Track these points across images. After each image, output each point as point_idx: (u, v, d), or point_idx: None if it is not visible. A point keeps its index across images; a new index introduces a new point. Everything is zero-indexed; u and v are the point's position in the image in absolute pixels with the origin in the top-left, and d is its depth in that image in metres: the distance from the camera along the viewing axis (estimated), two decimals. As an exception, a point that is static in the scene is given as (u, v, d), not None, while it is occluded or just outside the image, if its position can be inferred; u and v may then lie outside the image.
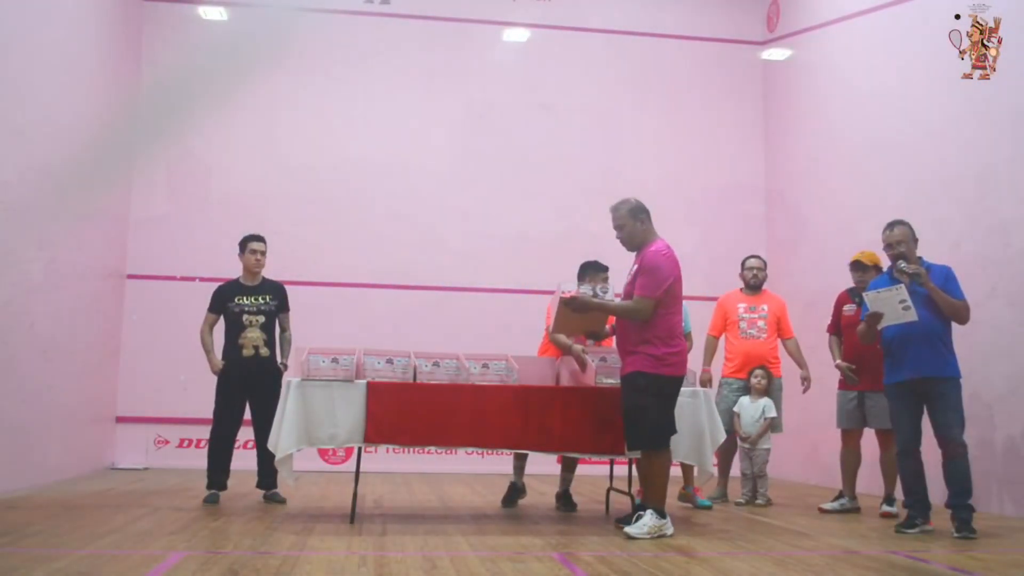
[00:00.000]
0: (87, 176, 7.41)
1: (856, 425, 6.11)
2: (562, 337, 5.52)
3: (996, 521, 5.72)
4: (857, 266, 6.14)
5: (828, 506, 6.13)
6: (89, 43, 7.62)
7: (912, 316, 5.06)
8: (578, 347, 5.48)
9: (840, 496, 6.18)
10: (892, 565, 4.22)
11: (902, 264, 5.22)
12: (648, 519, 4.71)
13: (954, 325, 5.23)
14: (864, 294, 5.35)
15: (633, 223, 4.93)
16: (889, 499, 5.95)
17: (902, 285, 5.15)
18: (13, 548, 4.08)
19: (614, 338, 5.20)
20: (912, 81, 7.31)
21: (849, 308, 6.15)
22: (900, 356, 5.23)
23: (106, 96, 7.91)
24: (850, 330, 6.05)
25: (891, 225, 5.34)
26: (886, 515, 5.81)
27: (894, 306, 5.11)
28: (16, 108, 6.22)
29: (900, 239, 5.26)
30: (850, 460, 6.22)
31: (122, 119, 8.20)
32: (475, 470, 8.20)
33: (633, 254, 5.03)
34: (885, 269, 5.57)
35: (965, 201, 6.68)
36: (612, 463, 6.09)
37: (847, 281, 7.10)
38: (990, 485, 6.18)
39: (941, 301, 5.11)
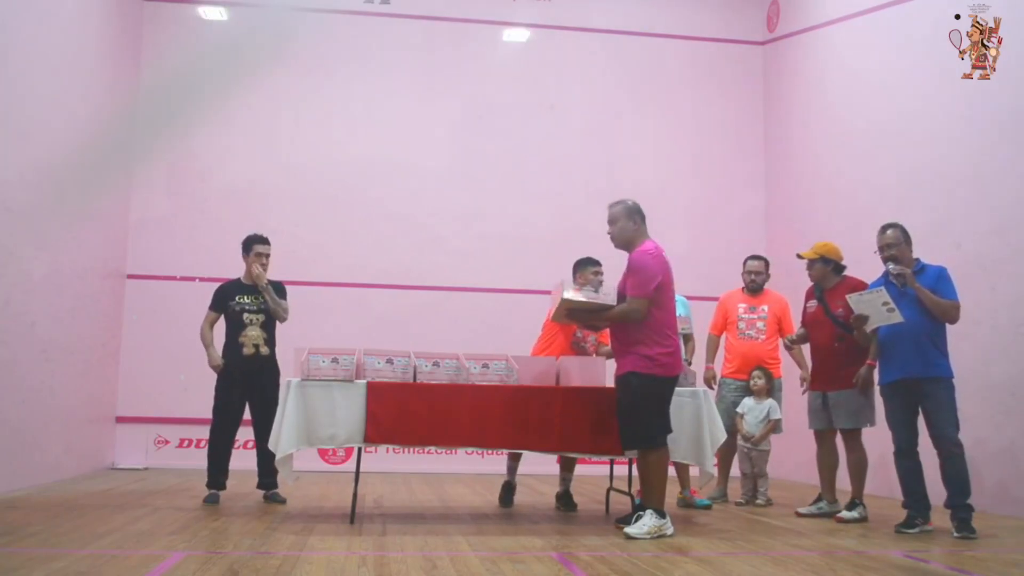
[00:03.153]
0: (87, 176, 7.41)
1: (825, 425, 5.91)
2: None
3: (996, 521, 5.72)
4: (807, 262, 5.99)
5: (805, 510, 5.96)
6: (89, 43, 7.62)
7: (897, 318, 5.10)
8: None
9: (819, 499, 6.00)
10: (892, 565, 4.22)
11: (889, 266, 5.25)
12: (648, 519, 4.72)
13: (950, 326, 5.24)
14: (847, 296, 5.37)
15: (626, 222, 4.99)
16: (851, 504, 5.71)
17: (882, 288, 5.20)
18: (13, 548, 4.08)
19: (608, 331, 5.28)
20: (912, 81, 7.31)
21: (811, 304, 6.01)
22: (890, 357, 5.29)
23: (106, 96, 7.91)
24: (813, 327, 5.95)
25: (883, 228, 5.38)
26: (839, 520, 5.62)
27: (878, 308, 5.17)
28: (16, 108, 6.22)
29: (891, 242, 5.30)
30: (825, 461, 6.01)
31: (122, 119, 8.21)
32: (475, 470, 8.20)
33: (624, 255, 5.09)
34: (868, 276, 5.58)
35: (965, 201, 6.68)
36: (612, 463, 6.09)
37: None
38: (990, 485, 6.18)
39: (927, 301, 5.14)
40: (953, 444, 5.09)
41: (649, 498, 4.82)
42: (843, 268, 5.89)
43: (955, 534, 5.02)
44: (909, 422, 5.26)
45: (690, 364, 6.39)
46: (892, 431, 5.34)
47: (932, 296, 5.14)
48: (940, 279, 5.22)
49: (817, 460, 6.12)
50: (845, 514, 5.66)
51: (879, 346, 5.39)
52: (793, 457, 8.14)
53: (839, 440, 5.95)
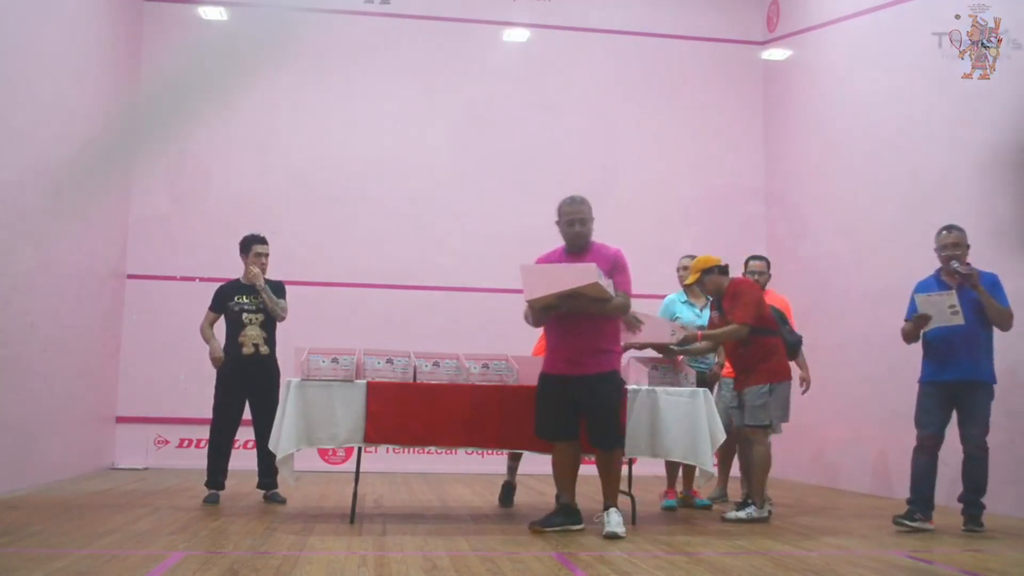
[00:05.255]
0: (87, 176, 7.40)
1: (739, 422, 5.83)
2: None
3: (996, 521, 5.71)
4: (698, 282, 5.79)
5: (731, 515, 5.55)
6: (89, 43, 7.62)
7: (960, 320, 5.18)
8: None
9: (746, 503, 5.63)
10: (892, 565, 4.22)
11: (955, 264, 5.27)
12: (618, 516, 4.78)
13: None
14: (915, 296, 5.37)
15: (591, 222, 4.99)
16: (743, 503, 5.57)
17: (953, 291, 5.24)
18: (13, 548, 4.08)
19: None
20: (912, 81, 7.31)
21: (713, 315, 5.82)
22: (943, 357, 5.33)
23: (106, 96, 7.91)
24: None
25: (948, 228, 5.41)
26: (725, 520, 5.46)
27: (943, 310, 5.21)
28: (16, 108, 6.22)
29: (956, 242, 5.35)
30: (745, 459, 5.89)
31: (122, 119, 8.20)
32: (475, 470, 8.19)
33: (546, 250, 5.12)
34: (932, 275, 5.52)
35: (965, 201, 6.68)
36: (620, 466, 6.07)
37: (846, 280, 7.12)
38: (990, 485, 6.16)
39: (989, 305, 5.22)
40: (979, 447, 5.21)
41: (615, 496, 4.91)
42: (727, 269, 5.77)
43: (963, 528, 5.15)
44: (940, 423, 5.34)
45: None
46: (920, 427, 5.39)
47: (993, 301, 5.22)
48: (994, 286, 5.30)
49: (739, 460, 6.12)
50: (732, 514, 5.49)
51: (927, 344, 5.41)
52: (794, 457, 8.14)
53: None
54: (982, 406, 5.23)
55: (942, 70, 6.63)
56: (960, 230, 5.39)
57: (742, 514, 5.49)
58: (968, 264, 5.30)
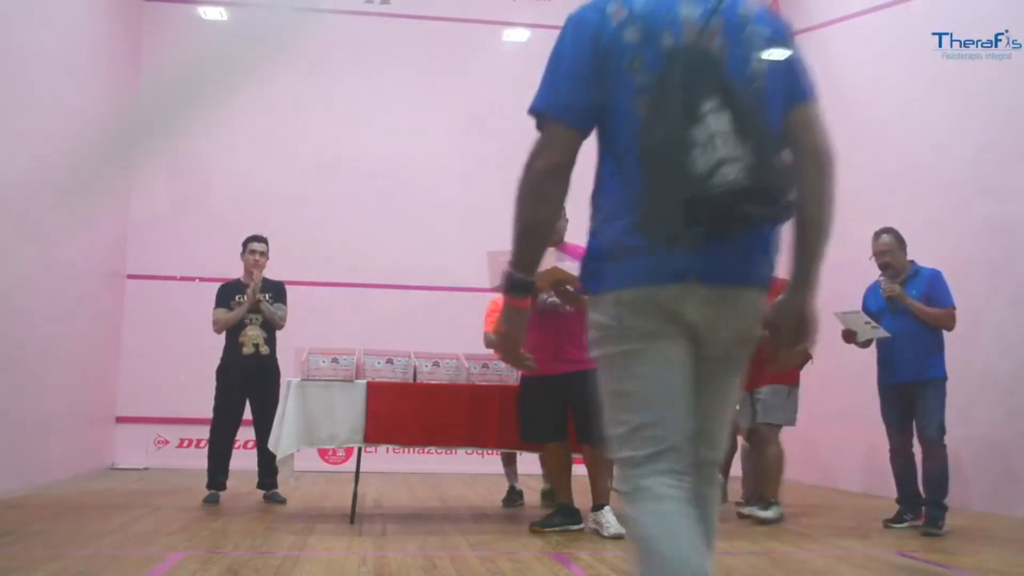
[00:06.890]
0: (87, 176, 7.40)
1: (749, 424, 5.84)
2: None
3: (994, 521, 5.72)
4: None
5: (755, 512, 5.57)
6: (89, 43, 7.63)
7: (882, 333, 5.22)
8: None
9: (774, 503, 5.61)
10: (892, 565, 4.22)
11: (881, 287, 5.33)
12: (613, 515, 4.79)
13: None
14: (835, 313, 5.29)
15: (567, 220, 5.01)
16: (766, 503, 5.53)
17: (860, 310, 5.32)
18: (13, 548, 4.08)
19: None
20: (911, 81, 7.31)
21: None
22: (888, 360, 5.37)
23: (106, 96, 7.91)
24: None
25: (877, 234, 5.42)
26: (756, 519, 5.46)
27: (861, 325, 5.28)
28: (16, 108, 6.22)
29: (885, 248, 5.36)
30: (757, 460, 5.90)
31: (122, 119, 8.20)
32: (475, 470, 8.19)
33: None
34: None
35: (965, 200, 6.68)
36: (612, 463, 6.08)
37: (845, 279, 7.03)
38: (989, 485, 6.18)
39: (920, 314, 5.20)
40: (935, 444, 5.17)
41: (606, 496, 4.89)
42: None
43: (922, 530, 5.10)
44: (903, 424, 5.35)
45: None
46: (887, 431, 5.43)
47: (925, 309, 5.22)
48: (934, 283, 5.26)
49: (749, 459, 6.09)
50: (762, 514, 5.50)
51: (878, 348, 5.42)
52: (791, 457, 8.09)
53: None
54: (932, 403, 5.17)
55: (941, 70, 6.63)
56: (890, 233, 5.34)
57: (770, 513, 5.49)
58: (893, 284, 5.28)
